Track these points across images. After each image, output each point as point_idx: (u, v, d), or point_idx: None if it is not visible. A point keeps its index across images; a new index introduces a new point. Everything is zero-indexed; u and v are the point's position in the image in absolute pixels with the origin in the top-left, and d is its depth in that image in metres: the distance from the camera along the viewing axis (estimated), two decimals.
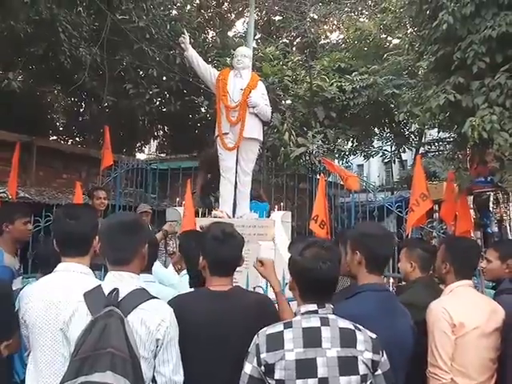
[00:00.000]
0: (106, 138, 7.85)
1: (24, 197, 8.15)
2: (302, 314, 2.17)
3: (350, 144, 13.66)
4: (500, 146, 4.47)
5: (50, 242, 3.23)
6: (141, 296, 2.24)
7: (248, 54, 7.21)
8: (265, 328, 2.16)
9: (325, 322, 2.13)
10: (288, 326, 2.13)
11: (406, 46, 7.85)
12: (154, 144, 18.09)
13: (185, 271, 3.80)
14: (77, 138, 16.14)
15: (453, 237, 4.78)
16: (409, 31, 9.27)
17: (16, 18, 7.69)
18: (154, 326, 2.16)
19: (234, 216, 6.88)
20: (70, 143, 15.63)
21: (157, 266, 4.00)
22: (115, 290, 2.19)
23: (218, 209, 6.90)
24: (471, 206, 8.04)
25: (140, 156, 16.38)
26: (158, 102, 13.72)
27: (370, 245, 2.58)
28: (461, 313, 2.84)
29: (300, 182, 10.28)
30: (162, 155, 15.98)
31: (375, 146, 14.35)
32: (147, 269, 3.37)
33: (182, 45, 7.04)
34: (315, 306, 2.17)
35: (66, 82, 10.91)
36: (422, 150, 13.54)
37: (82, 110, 15.04)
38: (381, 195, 9.02)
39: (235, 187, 6.97)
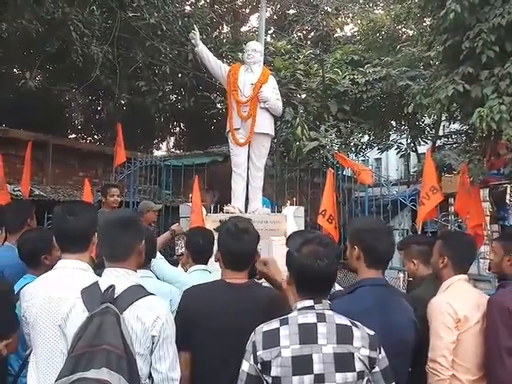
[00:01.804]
0: (118, 136, 7.89)
1: (39, 194, 8.26)
2: (299, 309, 2.15)
3: (366, 137, 13.56)
4: (511, 136, 4.38)
5: (40, 236, 3.31)
6: (137, 293, 2.23)
7: (259, 49, 7.17)
8: (261, 325, 2.14)
9: (321, 317, 2.10)
10: (284, 322, 2.11)
11: (416, 36, 7.71)
12: (171, 141, 18.24)
13: (192, 268, 3.80)
14: (95, 136, 16.34)
15: (449, 232, 4.73)
16: (419, 21, 9.10)
17: (22, 17, 7.77)
18: (149, 323, 2.16)
19: (246, 211, 6.86)
20: (88, 141, 15.85)
21: (162, 263, 4.01)
22: (111, 287, 2.19)
23: (230, 204, 6.89)
24: (487, 198, 7.90)
25: (157, 153, 16.53)
26: (173, 99, 13.80)
27: (366, 239, 2.55)
28: (464, 307, 2.82)
29: (314, 177, 10.22)
30: (177, 152, 16.06)
31: (391, 140, 14.18)
32: (144, 265, 3.39)
33: (193, 40, 7.04)
34: (312, 301, 2.14)
35: (82, 80, 11.01)
36: (438, 142, 13.35)
37: (99, 108, 15.20)
38: (395, 189, 8.92)
39: (247, 183, 6.95)
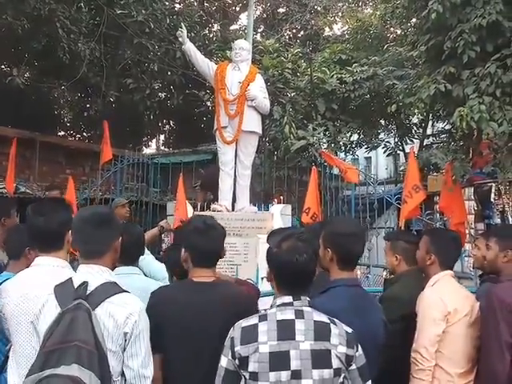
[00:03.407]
0: (105, 133, 7.87)
1: (24, 192, 8.23)
2: (278, 306, 2.18)
3: (355, 136, 13.61)
4: (494, 135, 4.44)
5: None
6: (110, 289, 2.24)
7: (246, 47, 7.16)
8: (240, 321, 2.17)
9: (299, 314, 2.13)
10: (263, 318, 2.13)
11: (401, 36, 7.74)
12: (161, 139, 18.19)
13: None
14: (84, 134, 16.26)
15: (436, 229, 4.76)
16: (403, 21, 9.17)
17: (5, 13, 7.73)
18: (121, 320, 2.16)
19: (233, 210, 6.88)
20: (77, 138, 15.78)
21: (150, 259, 4.02)
22: (84, 283, 2.20)
23: (217, 203, 6.90)
24: (472, 197, 7.98)
25: (147, 151, 16.47)
26: (163, 97, 13.76)
27: (340, 243, 2.57)
28: (454, 300, 2.88)
29: (302, 175, 10.25)
30: (165, 150, 16.04)
31: (379, 138, 14.26)
32: (132, 261, 3.40)
33: (180, 38, 7.01)
34: (290, 298, 2.18)
35: (71, 77, 10.96)
36: (426, 141, 13.44)
37: (88, 106, 15.11)
38: (382, 188, 9.00)
39: (234, 181, 6.96)
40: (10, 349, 2.63)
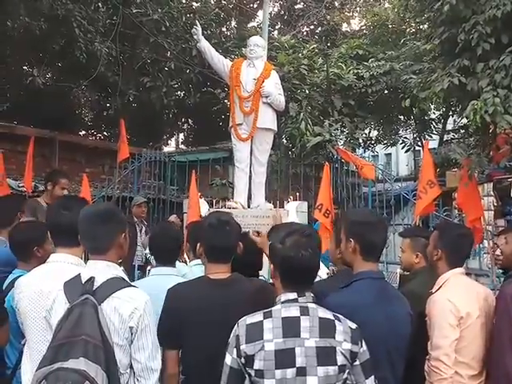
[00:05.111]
0: (121, 132, 7.95)
1: (43, 190, 8.31)
2: (282, 302, 2.16)
3: (374, 133, 13.51)
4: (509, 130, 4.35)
5: (32, 227, 3.34)
6: (116, 284, 2.27)
7: (261, 44, 7.16)
8: (244, 317, 2.15)
9: (304, 311, 2.11)
10: (268, 315, 2.12)
11: (416, 30, 7.64)
12: (180, 137, 18.30)
13: (194, 261, 3.84)
14: (104, 133, 16.45)
15: (446, 224, 4.65)
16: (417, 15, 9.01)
17: (20, 14, 7.84)
18: (126, 314, 2.20)
19: (249, 206, 6.89)
20: (98, 138, 15.96)
21: None
22: (91, 279, 2.24)
23: (233, 199, 6.93)
24: (491, 193, 7.85)
25: (166, 149, 16.57)
26: (181, 95, 13.84)
27: (363, 232, 2.53)
28: (466, 303, 2.80)
29: (318, 172, 10.20)
30: (183, 148, 16.13)
31: (398, 134, 14.11)
32: (171, 262, 3.39)
33: (195, 36, 7.08)
34: (295, 294, 2.16)
35: (89, 77, 11.08)
36: (446, 137, 13.24)
37: (107, 105, 15.26)
38: (399, 184, 8.92)
39: (250, 178, 6.97)
40: (24, 344, 2.68)
